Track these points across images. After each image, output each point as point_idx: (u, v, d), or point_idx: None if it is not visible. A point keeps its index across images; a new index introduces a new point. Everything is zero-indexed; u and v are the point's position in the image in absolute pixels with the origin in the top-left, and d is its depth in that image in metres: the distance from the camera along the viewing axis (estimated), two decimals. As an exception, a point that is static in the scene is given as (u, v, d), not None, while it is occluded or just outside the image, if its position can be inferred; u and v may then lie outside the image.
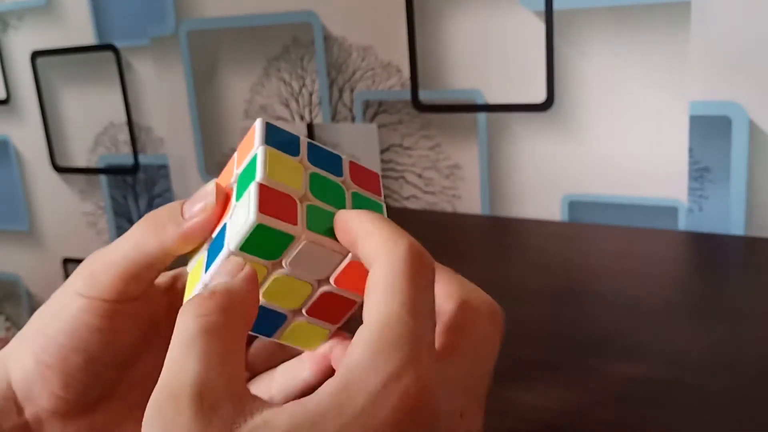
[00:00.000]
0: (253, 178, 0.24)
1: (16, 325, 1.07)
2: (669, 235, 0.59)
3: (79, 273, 0.27)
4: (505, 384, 0.37)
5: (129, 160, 0.88)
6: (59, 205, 0.96)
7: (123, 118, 0.87)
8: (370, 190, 0.27)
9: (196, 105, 0.82)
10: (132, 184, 0.89)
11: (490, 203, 0.69)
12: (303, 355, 0.28)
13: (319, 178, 0.25)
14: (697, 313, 0.44)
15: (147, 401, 0.29)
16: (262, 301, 0.25)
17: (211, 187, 0.26)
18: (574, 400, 0.35)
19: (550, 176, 0.65)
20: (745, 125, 0.57)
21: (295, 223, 0.23)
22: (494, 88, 0.66)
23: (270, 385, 0.29)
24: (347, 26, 0.71)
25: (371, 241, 0.22)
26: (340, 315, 0.26)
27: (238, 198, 0.24)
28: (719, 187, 0.59)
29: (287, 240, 0.23)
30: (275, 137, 0.25)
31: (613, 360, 0.39)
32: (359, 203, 0.26)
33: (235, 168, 0.26)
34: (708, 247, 0.55)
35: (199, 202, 0.26)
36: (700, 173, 0.60)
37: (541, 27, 0.62)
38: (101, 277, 0.27)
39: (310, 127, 0.76)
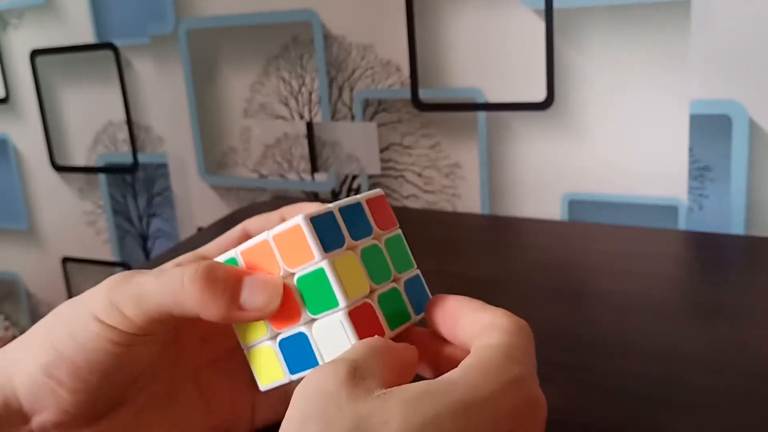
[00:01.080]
0: (328, 298, 0.25)
1: (15, 324, 1.06)
2: (669, 234, 0.58)
3: (99, 296, 0.27)
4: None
5: (128, 159, 0.88)
6: (58, 204, 0.96)
7: (122, 116, 0.87)
8: (389, 227, 0.29)
9: (196, 104, 0.82)
10: (131, 183, 0.89)
11: (490, 202, 0.69)
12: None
13: (367, 255, 0.27)
14: (697, 312, 0.43)
15: (153, 404, 0.29)
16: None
17: (279, 285, 0.26)
18: (573, 397, 0.35)
19: (550, 175, 0.65)
20: (746, 124, 0.57)
21: (383, 333, 0.26)
22: (494, 86, 0.65)
23: None
24: (347, 25, 0.71)
25: (481, 317, 0.26)
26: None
27: (310, 309, 0.26)
28: (719, 186, 0.59)
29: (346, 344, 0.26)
30: (321, 232, 0.26)
31: (611, 358, 0.39)
32: (391, 249, 0.28)
33: (280, 259, 0.26)
34: (708, 247, 0.55)
35: (263, 295, 0.26)
36: (700, 172, 0.60)
37: (541, 25, 0.62)
38: (127, 312, 0.26)
39: (310, 126, 0.76)
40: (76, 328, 0.26)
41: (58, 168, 0.94)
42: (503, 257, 0.56)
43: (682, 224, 0.61)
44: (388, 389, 0.21)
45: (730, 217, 0.59)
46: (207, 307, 0.25)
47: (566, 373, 0.38)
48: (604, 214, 0.64)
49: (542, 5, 0.62)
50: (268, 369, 0.28)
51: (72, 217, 0.95)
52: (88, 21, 0.86)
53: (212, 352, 0.31)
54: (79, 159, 0.92)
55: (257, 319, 0.26)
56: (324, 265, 0.25)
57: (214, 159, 0.83)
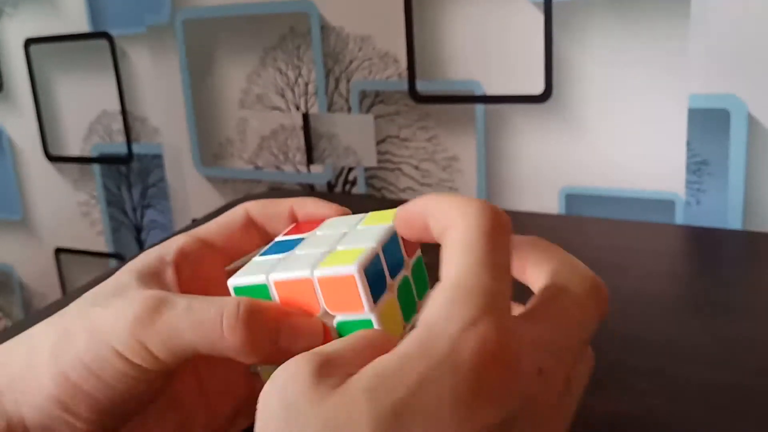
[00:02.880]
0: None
1: (9, 315, 1.06)
2: (666, 228, 0.58)
3: (123, 331, 0.25)
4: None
5: (123, 150, 0.88)
6: (52, 195, 0.95)
7: (117, 107, 0.86)
8: (414, 252, 0.28)
9: (192, 94, 0.81)
10: (126, 174, 0.89)
11: (487, 195, 0.68)
12: None
13: (401, 293, 0.26)
14: (694, 307, 0.43)
15: (158, 408, 0.28)
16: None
17: (320, 330, 0.25)
18: (571, 391, 0.35)
19: (547, 169, 0.65)
20: (744, 118, 0.57)
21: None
22: (492, 79, 0.65)
23: None
24: (344, 16, 0.70)
25: (442, 211, 0.23)
26: None
27: None
28: (717, 180, 0.59)
29: None
30: (371, 282, 0.24)
31: (608, 352, 0.39)
32: (416, 277, 0.27)
33: (322, 301, 0.25)
34: (705, 241, 0.55)
35: (304, 342, 0.24)
36: (698, 166, 0.59)
37: (541, 18, 0.62)
38: (154, 351, 0.24)
39: (306, 118, 0.75)
40: (95, 362, 0.25)
41: (52, 158, 0.93)
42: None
43: (680, 219, 0.61)
44: (347, 379, 0.20)
45: (727, 211, 0.59)
46: (246, 355, 0.24)
47: (563, 365, 0.38)
48: (602, 209, 0.64)
49: (541, -3, 0.61)
50: None
51: (66, 208, 0.95)
52: (83, 10, 0.85)
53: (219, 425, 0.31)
54: (74, 149, 0.91)
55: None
56: (372, 317, 0.24)
57: (209, 150, 0.82)
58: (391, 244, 0.26)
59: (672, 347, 0.39)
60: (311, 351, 0.21)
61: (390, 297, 0.25)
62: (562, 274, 0.24)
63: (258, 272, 0.26)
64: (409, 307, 0.26)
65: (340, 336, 0.25)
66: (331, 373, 0.20)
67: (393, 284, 0.26)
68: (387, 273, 0.25)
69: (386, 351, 0.20)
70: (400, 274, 0.26)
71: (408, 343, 0.20)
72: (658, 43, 0.58)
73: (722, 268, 0.49)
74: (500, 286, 0.21)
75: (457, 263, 0.21)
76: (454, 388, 0.19)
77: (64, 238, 0.97)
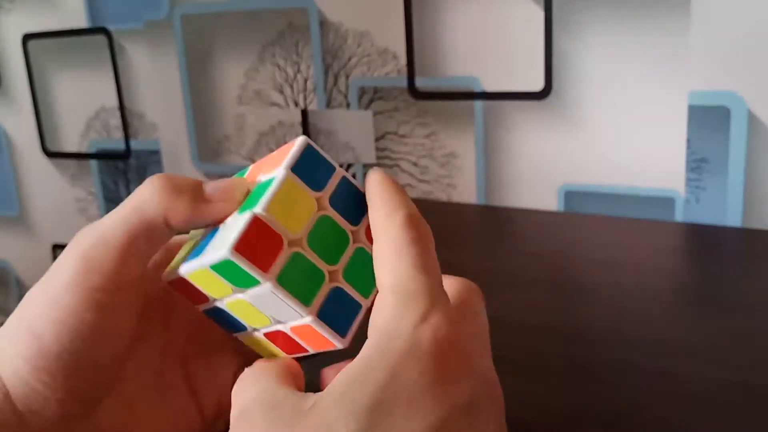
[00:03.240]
0: (256, 202, 0.23)
1: (5, 311, 1.06)
2: (665, 226, 0.58)
3: (68, 256, 0.25)
4: (497, 370, 0.37)
5: (121, 146, 0.87)
6: (49, 191, 0.95)
7: (115, 102, 0.86)
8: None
9: (190, 90, 0.81)
10: (123, 170, 0.88)
11: (486, 192, 0.68)
12: None
13: (327, 224, 0.24)
14: (693, 304, 0.43)
15: (143, 394, 0.28)
16: (224, 307, 0.26)
17: (241, 182, 0.25)
18: (568, 388, 0.35)
19: (546, 166, 0.65)
20: (744, 116, 0.56)
21: (267, 271, 0.22)
22: (492, 75, 0.65)
23: None
24: (344, 12, 0.70)
25: (374, 217, 0.24)
26: (295, 351, 0.26)
27: (241, 209, 0.24)
28: (717, 178, 0.59)
29: (253, 281, 0.23)
30: (308, 161, 0.24)
31: (607, 349, 0.38)
32: (358, 260, 0.24)
33: (262, 173, 0.25)
34: (705, 239, 0.54)
35: (225, 189, 0.25)
36: (697, 164, 0.59)
37: (540, 14, 0.61)
38: (97, 258, 0.25)
39: (305, 114, 0.75)
40: (49, 305, 0.25)
41: (50, 154, 0.93)
42: (498, 247, 0.55)
43: (679, 216, 0.61)
44: (316, 397, 0.21)
45: (727, 209, 0.59)
46: (172, 207, 0.25)
47: (561, 364, 0.37)
48: (601, 206, 0.63)
49: (541, -7, 0.61)
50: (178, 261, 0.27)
51: (63, 204, 0.95)
52: (82, 5, 0.85)
53: (199, 341, 0.31)
54: (71, 145, 0.91)
55: (215, 216, 0.25)
56: (279, 175, 0.23)
57: (207, 146, 0.82)
58: (353, 193, 0.25)
59: (671, 344, 0.38)
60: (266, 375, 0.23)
61: (314, 194, 0.24)
62: (455, 281, 0.26)
63: None
64: (331, 252, 0.24)
65: (246, 202, 0.24)
66: (282, 402, 0.21)
67: (324, 206, 0.24)
68: (331, 188, 0.24)
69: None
70: (346, 219, 0.24)
71: (366, 350, 0.21)
72: (658, 40, 0.58)
73: (722, 265, 0.49)
74: (437, 281, 0.22)
75: (393, 270, 0.22)
76: (422, 375, 0.20)
77: (62, 234, 0.96)
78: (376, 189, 0.24)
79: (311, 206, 0.24)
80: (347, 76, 0.71)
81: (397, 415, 0.20)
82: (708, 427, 0.32)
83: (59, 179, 0.93)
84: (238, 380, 0.25)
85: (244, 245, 0.22)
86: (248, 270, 0.22)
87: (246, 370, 0.25)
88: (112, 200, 0.91)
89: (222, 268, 0.23)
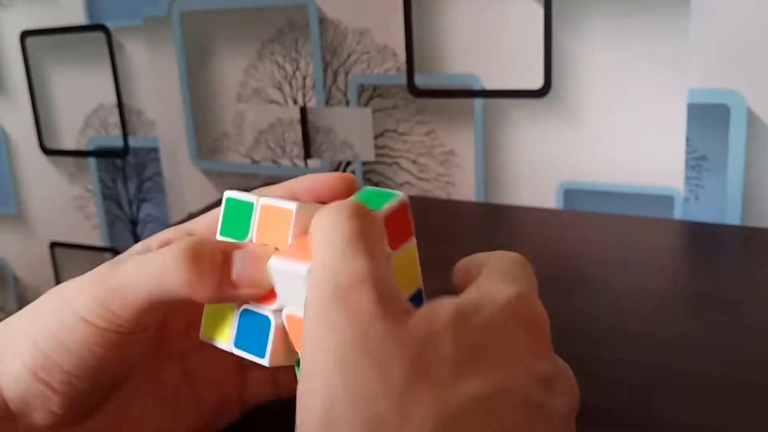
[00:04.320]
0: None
1: (2, 309, 1.05)
2: (665, 223, 0.58)
3: (83, 292, 0.25)
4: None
5: (119, 143, 0.87)
6: (47, 188, 0.95)
7: (113, 100, 0.86)
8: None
9: (188, 87, 0.81)
10: (122, 168, 0.88)
11: (485, 190, 0.68)
12: None
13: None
14: (692, 302, 0.43)
15: (139, 394, 0.28)
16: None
17: (268, 265, 0.25)
18: (570, 384, 0.35)
19: (546, 164, 0.65)
20: (744, 114, 0.56)
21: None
22: (491, 73, 0.65)
23: None
24: (343, 9, 0.70)
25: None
26: None
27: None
28: (716, 176, 0.59)
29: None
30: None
31: (606, 347, 0.38)
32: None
33: (292, 233, 0.25)
34: (704, 237, 0.54)
35: (256, 271, 0.24)
36: (697, 162, 0.59)
37: (540, 11, 0.61)
38: (114, 310, 0.24)
39: (303, 111, 0.75)
40: (60, 329, 0.25)
41: (48, 151, 0.93)
42: (497, 245, 0.55)
43: (678, 214, 0.61)
44: (425, 310, 0.21)
45: (726, 207, 0.59)
46: (196, 288, 0.24)
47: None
48: (600, 204, 0.63)
49: (541, -9, 0.61)
50: (217, 326, 0.26)
51: (61, 202, 0.94)
52: (80, 2, 0.84)
53: (197, 337, 0.31)
54: (69, 142, 0.91)
55: (252, 298, 0.25)
56: None
57: (206, 144, 0.82)
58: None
59: (670, 341, 0.38)
60: (354, 274, 0.21)
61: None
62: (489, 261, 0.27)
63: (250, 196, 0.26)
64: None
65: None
66: (390, 291, 0.21)
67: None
68: None
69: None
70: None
71: (472, 292, 0.23)
72: (657, 37, 0.58)
73: (721, 263, 0.49)
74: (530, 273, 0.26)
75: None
76: (519, 335, 0.22)
77: (59, 231, 0.96)
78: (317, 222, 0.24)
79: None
80: (346, 74, 0.71)
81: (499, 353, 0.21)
82: (708, 425, 0.32)
83: (57, 177, 0.93)
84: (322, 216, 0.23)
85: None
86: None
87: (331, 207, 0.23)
88: (110, 198, 0.90)
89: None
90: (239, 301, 0.25)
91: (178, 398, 0.29)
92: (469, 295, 0.22)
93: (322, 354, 0.20)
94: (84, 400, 0.26)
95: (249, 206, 0.26)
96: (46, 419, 0.26)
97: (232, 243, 0.25)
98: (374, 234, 0.23)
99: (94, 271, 0.25)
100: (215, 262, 0.24)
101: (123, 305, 0.24)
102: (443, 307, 0.21)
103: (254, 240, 0.25)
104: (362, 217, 0.23)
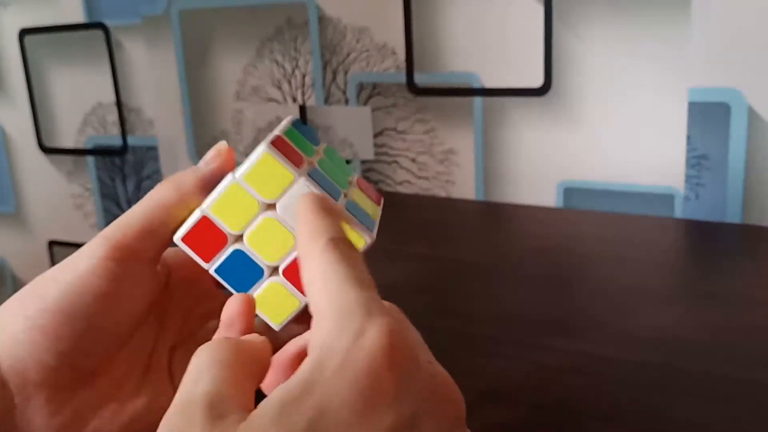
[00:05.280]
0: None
1: (1, 308, 1.05)
2: (665, 222, 0.58)
3: (91, 242, 0.27)
4: (498, 365, 0.36)
5: (117, 142, 0.87)
6: (46, 187, 0.95)
7: (112, 98, 0.86)
8: (372, 198, 0.30)
9: (187, 86, 0.81)
10: (120, 166, 0.88)
11: (485, 189, 0.68)
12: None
13: (330, 158, 0.29)
14: (692, 300, 0.43)
15: (132, 379, 0.28)
16: (245, 245, 0.27)
17: (222, 142, 0.29)
18: (568, 383, 0.35)
19: (545, 162, 0.65)
20: (744, 112, 0.56)
21: (300, 166, 0.26)
22: (491, 71, 0.65)
23: None
24: (342, 7, 0.70)
25: (299, 243, 0.24)
26: None
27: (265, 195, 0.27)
28: (716, 174, 0.59)
29: (287, 177, 0.26)
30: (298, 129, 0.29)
31: (607, 345, 0.38)
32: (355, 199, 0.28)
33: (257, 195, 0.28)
34: (704, 235, 0.54)
35: (215, 152, 0.29)
36: (697, 161, 0.59)
37: (540, 10, 0.61)
38: (115, 236, 0.27)
39: (303, 110, 0.75)
40: (64, 271, 0.26)
41: (46, 150, 0.93)
42: (497, 244, 0.55)
43: (679, 213, 0.61)
44: (252, 415, 0.20)
45: (726, 205, 0.59)
46: (178, 187, 0.28)
47: (560, 359, 0.37)
48: (600, 203, 0.63)
49: (541, -11, 0.61)
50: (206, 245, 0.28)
51: (59, 200, 0.94)
52: (79, 0, 0.84)
53: (189, 333, 0.31)
54: (68, 141, 0.90)
55: (219, 172, 0.29)
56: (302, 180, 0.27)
57: (205, 142, 0.82)
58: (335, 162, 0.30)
59: (670, 339, 0.38)
60: (192, 398, 0.21)
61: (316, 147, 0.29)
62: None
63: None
64: (339, 178, 0.29)
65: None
66: (222, 412, 0.20)
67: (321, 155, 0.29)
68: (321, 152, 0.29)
69: (262, 378, 0.23)
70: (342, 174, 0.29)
71: (304, 369, 0.20)
72: (658, 36, 0.58)
73: (721, 261, 0.49)
74: (371, 294, 0.22)
75: (323, 290, 0.22)
76: (359, 396, 0.20)
77: (58, 230, 0.96)
78: (301, 216, 0.25)
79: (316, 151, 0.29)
80: (346, 72, 0.71)
81: None
82: (708, 422, 0.31)
83: (56, 175, 0.93)
84: (198, 350, 0.23)
85: (279, 144, 0.26)
86: (284, 164, 0.26)
87: (212, 342, 0.23)
88: (108, 196, 0.90)
89: (254, 176, 0.26)
90: (219, 178, 0.28)
91: (160, 384, 0.30)
92: (297, 374, 0.20)
93: None
94: (76, 352, 0.26)
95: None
96: (37, 373, 0.26)
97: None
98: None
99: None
100: (188, 168, 0.29)
101: (123, 230, 0.27)
102: (265, 406, 0.20)
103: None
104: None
